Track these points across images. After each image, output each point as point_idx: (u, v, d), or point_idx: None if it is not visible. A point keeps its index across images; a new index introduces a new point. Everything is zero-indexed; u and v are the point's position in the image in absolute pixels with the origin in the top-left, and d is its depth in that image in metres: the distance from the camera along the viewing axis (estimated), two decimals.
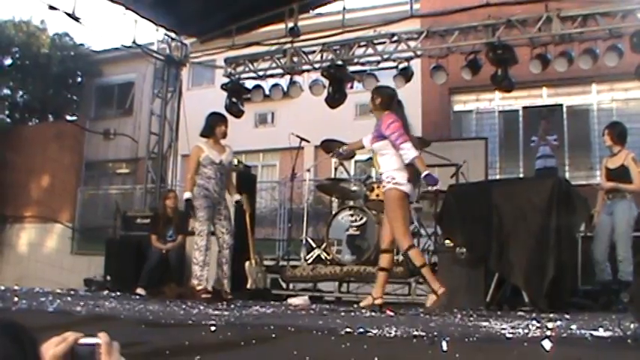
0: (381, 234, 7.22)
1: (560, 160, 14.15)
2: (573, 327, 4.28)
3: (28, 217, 21.24)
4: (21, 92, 25.41)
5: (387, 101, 7.08)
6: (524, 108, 16.87)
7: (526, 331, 3.93)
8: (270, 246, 14.97)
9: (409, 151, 6.57)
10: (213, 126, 8.41)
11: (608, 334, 3.71)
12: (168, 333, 4.20)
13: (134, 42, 14.67)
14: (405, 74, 12.11)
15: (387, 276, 7.03)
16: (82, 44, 24.93)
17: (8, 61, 24.67)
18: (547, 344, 3.17)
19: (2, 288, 9.58)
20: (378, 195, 9.71)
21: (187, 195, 8.10)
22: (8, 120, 25.24)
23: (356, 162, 16.20)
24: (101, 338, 1.78)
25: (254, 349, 3.77)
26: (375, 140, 6.94)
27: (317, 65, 12.70)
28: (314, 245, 10.06)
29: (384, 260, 6.97)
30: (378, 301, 6.86)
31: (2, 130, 23.65)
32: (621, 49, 10.41)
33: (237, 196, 8.73)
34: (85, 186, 21.60)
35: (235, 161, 11.01)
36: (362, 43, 12.45)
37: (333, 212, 9.76)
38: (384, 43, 12.24)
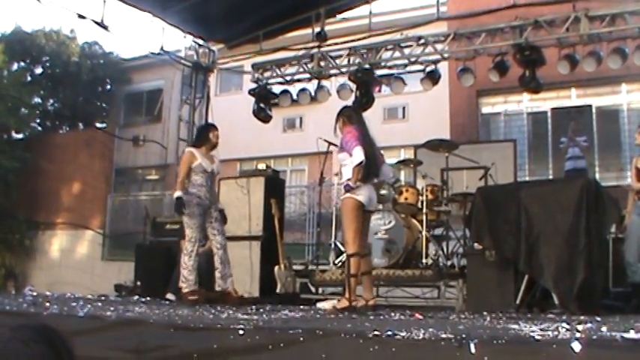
0: None
1: (590, 161, 14.03)
2: (604, 329, 4.24)
3: (59, 224, 21.46)
4: (52, 100, 25.73)
5: (346, 118, 7.50)
6: (553, 109, 16.77)
7: (555, 333, 3.89)
8: (299, 250, 14.99)
9: (355, 157, 6.88)
10: (207, 133, 8.75)
11: (639, 336, 3.67)
12: (197, 337, 4.22)
13: (162, 49, 14.79)
14: (433, 77, 12.09)
15: (370, 277, 7.41)
16: (111, 52, 25.28)
17: (39, 70, 25.02)
18: (577, 346, 3.14)
19: (35, 294, 9.69)
20: (406, 198, 9.70)
21: (178, 194, 8.33)
22: (40, 128, 25.56)
23: None
24: None
25: (282, 352, 3.77)
26: (340, 151, 7.32)
27: (344, 69, 12.71)
28: (343, 249, 10.04)
29: (365, 264, 7.25)
30: (372, 302, 7.15)
31: (34, 138, 23.95)
32: None
33: (220, 206, 8.85)
34: (115, 192, 21.80)
35: (263, 166, 11.07)
36: (389, 47, 12.42)
37: None
38: (410, 46, 12.21)
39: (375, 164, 7.17)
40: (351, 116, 7.47)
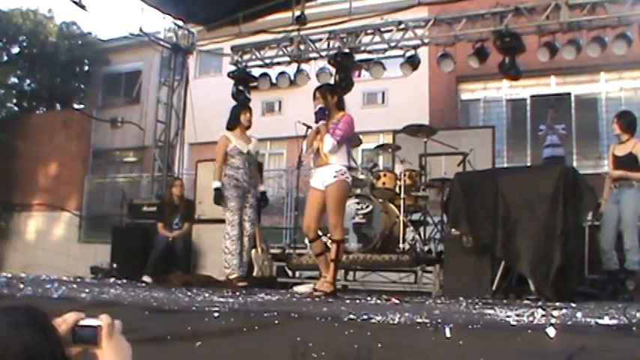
0: (309, 224, 7.24)
1: (568, 149, 14.08)
2: (578, 315, 4.26)
3: (35, 205, 21.29)
4: (28, 81, 25.49)
5: (341, 100, 7.33)
6: (532, 96, 16.84)
7: (531, 318, 3.90)
8: (276, 234, 14.97)
9: (328, 143, 6.87)
10: (238, 115, 8.59)
11: (613, 322, 3.69)
12: (171, 319, 4.19)
13: (141, 30, 14.65)
14: (412, 62, 12.06)
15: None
16: (89, 33, 25.07)
17: (16, 50, 24.75)
18: (551, 331, 3.15)
19: (9, 275, 9.61)
20: (384, 183, 9.68)
21: (216, 184, 8.22)
22: (16, 108, 25.30)
23: (363, 150, 16.18)
24: (102, 320, 1.76)
25: (257, 335, 3.76)
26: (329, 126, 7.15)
27: (324, 53, 12.65)
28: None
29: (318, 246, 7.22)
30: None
31: (10, 118, 23.73)
32: (630, 38, 10.32)
33: (261, 188, 8.80)
34: (92, 174, 21.64)
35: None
36: (369, 31, 12.37)
37: None
38: (391, 31, 12.17)
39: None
40: (343, 102, 7.36)
